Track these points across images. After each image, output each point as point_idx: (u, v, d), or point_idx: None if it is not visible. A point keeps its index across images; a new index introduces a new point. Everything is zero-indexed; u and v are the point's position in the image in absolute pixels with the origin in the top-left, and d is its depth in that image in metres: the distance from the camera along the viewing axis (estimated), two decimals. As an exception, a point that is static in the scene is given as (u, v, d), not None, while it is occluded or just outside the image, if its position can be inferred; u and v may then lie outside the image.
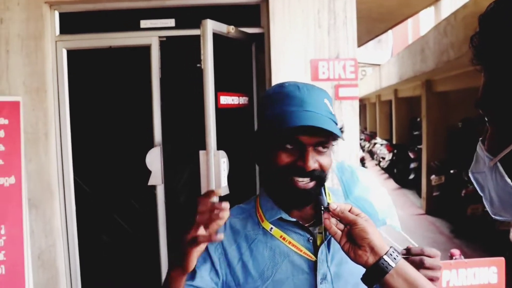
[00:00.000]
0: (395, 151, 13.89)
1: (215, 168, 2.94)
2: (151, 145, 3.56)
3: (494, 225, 6.72)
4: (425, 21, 16.40)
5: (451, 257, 3.68)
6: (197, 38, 3.00)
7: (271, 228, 1.26)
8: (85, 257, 3.72)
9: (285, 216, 1.26)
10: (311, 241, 1.26)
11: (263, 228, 1.27)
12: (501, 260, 3.21)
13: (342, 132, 1.22)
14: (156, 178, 3.54)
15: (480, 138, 0.83)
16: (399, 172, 13.18)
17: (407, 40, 19.39)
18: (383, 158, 15.12)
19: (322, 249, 1.25)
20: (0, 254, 3.24)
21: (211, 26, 2.94)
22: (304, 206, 1.26)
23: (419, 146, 11.89)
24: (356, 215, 1.15)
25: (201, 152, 2.97)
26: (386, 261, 1.09)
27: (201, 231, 1.04)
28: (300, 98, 1.20)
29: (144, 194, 3.79)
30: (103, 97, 3.87)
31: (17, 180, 3.34)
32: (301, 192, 1.20)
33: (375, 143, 17.89)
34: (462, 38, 6.37)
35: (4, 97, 3.38)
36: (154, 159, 3.52)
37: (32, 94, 3.43)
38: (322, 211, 1.17)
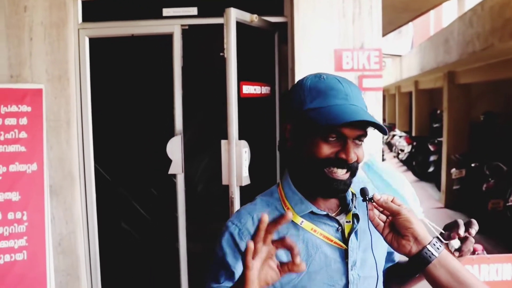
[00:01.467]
0: (415, 143, 13.73)
1: (237, 158, 2.92)
2: (171, 133, 3.55)
3: (515, 220, 6.62)
4: (447, 13, 16.13)
5: (473, 252, 3.62)
6: (219, 27, 2.98)
7: (302, 221, 1.26)
8: (105, 244, 3.75)
9: (315, 209, 1.27)
10: (339, 230, 1.28)
11: (293, 221, 1.25)
12: (524, 256, 3.14)
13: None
14: (177, 167, 3.54)
15: None
16: (418, 164, 13.04)
17: (429, 31, 19.08)
18: (402, 150, 14.95)
19: (352, 238, 1.27)
20: (22, 240, 3.28)
21: (234, 15, 2.91)
22: (340, 196, 1.28)
23: (439, 139, 11.74)
24: (399, 205, 1.18)
25: (223, 142, 2.95)
26: (429, 251, 1.12)
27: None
28: (344, 92, 1.22)
29: (164, 182, 3.80)
30: (125, 86, 3.88)
31: (39, 167, 3.37)
32: (339, 182, 1.21)
33: (393, 135, 17.72)
34: (488, 29, 6.24)
35: (27, 84, 3.40)
36: (174, 148, 3.51)
37: (54, 82, 3.44)
38: (366, 202, 1.21)
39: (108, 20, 3.60)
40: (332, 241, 1.26)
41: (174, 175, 3.61)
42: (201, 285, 1.35)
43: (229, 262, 1.24)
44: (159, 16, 3.58)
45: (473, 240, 1.24)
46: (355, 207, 1.31)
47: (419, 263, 1.14)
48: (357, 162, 1.23)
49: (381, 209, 1.20)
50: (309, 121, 1.21)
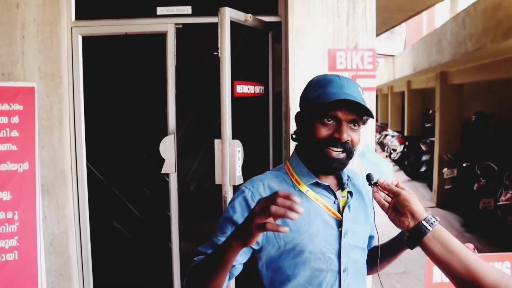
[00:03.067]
0: (407, 143, 13.75)
1: (230, 158, 2.91)
2: (165, 133, 3.54)
3: (506, 219, 6.65)
4: (440, 13, 16.19)
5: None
6: (213, 26, 2.97)
7: (307, 190, 1.50)
8: (97, 244, 3.73)
9: (319, 181, 1.50)
10: (336, 203, 1.52)
11: (299, 190, 1.50)
12: (516, 256, 3.15)
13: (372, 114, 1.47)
14: (170, 166, 3.53)
15: None
16: (410, 164, 13.07)
17: (421, 31, 19.16)
18: (394, 150, 14.97)
19: (346, 210, 1.51)
20: (13, 240, 3.26)
21: (229, 14, 2.89)
22: (335, 173, 1.52)
23: (431, 139, 11.78)
24: (402, 189, 1.38)
25: (216, 141, 2.94)
26: (424, 225, 1.31)
27: (271, 219, 1.14)
28: (340, 83, 1.47)
29: (157, 181, 3.78)
30: (118, 84, 3.85)
31: (31, 166, 3.34)
32: (334, 160, 1.44)
33: (386, 135, 17.75)
34: (481, 30, 6.26)
35: (19, 82, 3.37)
36: (167, 147, 3.50)
37: (47, 80, 3.42)
38: (371, 186, 1.44)
39: (101, 18, 3.58)
40: (330, 210, 1.49)
41: (167, 175, 3.59)
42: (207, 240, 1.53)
43: (238, 220, 1.45)
44: (153, 14, 3.56)
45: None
46: (348, 185, 1.55)
47: (416, 236, 1.31)
48: (352, 145, 1.46)
49: (386, 192, 1.40)
50: (310, 106, 1.46)
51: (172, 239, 3.65)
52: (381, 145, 18.27)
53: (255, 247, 1.47)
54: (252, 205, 1.43)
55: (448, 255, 1.27)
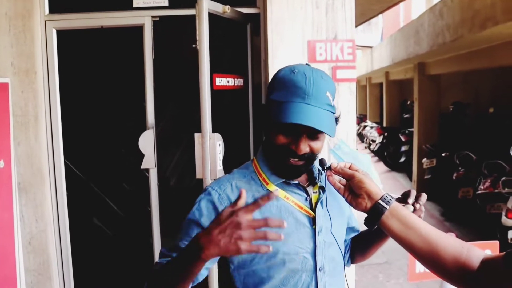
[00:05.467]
0: (386, 134, 13.88)
1: (211, 151, 2.88)
2: (144, 127, 3.49)
3: (485, 208, 6.75)
4: (416, 5, 16.31)
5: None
6: (191, 18, 2.92)
7: (276, 189, 1.42)
8: (77, 242, 3.67)
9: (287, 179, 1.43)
10: (308, 200, 1.46)
11: (268, 189, 1.43)
12: (495, 243, 3.19)
13: (338, 122, 1.41)
14: (149, 161, 3.49)
15: None
16: (390, 155, 13.21)
17: (398, 23, 19.29)
18: (373, 141, 15.11)
19: (318, 207, 1.45)
20: (-11, 240, 3.18)
21: (206, 6, 2.85)
22: (294, 179, 1.44)
23: (410, 129, 11.91)
24: (355, 171, 1.36)
25: (196, 135, 2.90)
26: (381, 204, 1.31)
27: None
28: (305, 89, 1.31)
29: (136, 177, 3.74)
30: (94, 79, 3.78)
31: (6, 164, 3.26)
32: (292, 168, 1.38)
33: (365, 126, 17.90)
34: (458, 20, 6.32)
35: (-9, 78, 3.29)
36: (147, 142, 3.46)
37: (21, 75, 3.33)
38: (325, 170, 1.41)
39: (76, 12, 3.50)
40: (302, 208, 1.43)
41: (147, 170, 3.56)
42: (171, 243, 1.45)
43: (204, 223, 1.36)
44: (129, 7, 3.49)
45: (423, 209, 1.43)
46: (320, 180, 1.48)
47: (374, 216, 1.31)
48: (312, 153, 1.37)
49: (340, 175, 1.39)
50: (269, 109, 1.37)
51: (153, 234, 3.62)
52: (360, 136, 18.42)
53: None
54: (220, 208, 1.38)
55: (407, 231, 1.29)
